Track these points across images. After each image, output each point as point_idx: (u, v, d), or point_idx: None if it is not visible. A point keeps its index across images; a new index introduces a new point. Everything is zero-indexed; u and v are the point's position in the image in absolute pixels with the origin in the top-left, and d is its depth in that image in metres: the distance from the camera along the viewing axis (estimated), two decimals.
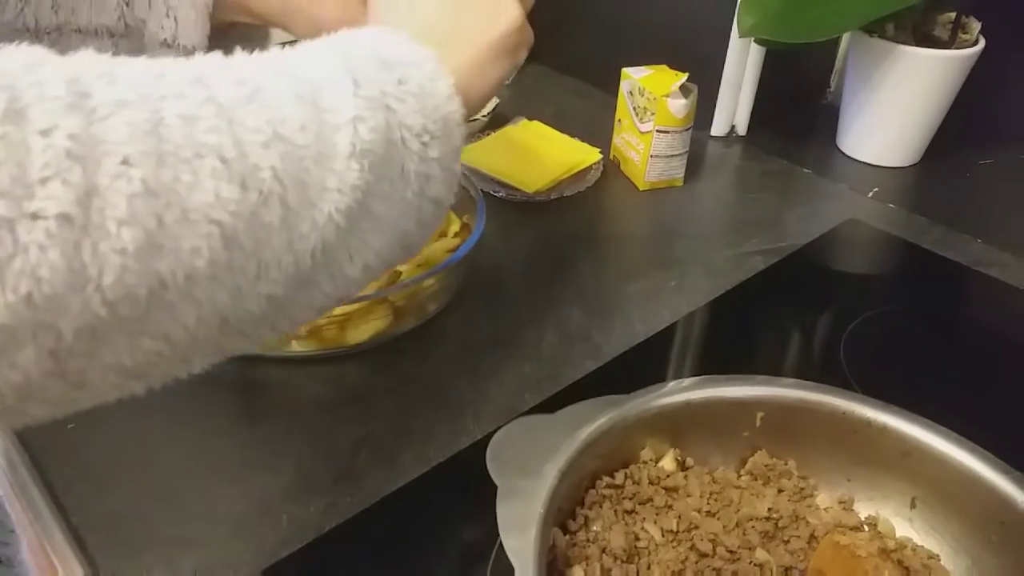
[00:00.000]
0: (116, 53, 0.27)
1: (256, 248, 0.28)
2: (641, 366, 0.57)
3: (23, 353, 0.23)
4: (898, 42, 0.76)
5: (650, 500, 0.41)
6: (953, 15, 0.77)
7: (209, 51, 0.40)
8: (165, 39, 0.46)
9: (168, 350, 0.27)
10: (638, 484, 0.41)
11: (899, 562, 0.38)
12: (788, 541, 0.40)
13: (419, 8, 0.39)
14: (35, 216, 0.22)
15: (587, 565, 0.37)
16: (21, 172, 0.22)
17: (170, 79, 0.27)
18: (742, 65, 0.84)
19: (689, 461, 0.43)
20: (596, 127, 0.85)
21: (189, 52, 0.47)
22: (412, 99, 0.33)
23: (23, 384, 0.24)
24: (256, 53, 0.32)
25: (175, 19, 0.46)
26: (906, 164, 0.84)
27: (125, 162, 0.24)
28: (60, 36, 0.46)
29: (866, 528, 0.41)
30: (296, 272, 0.30)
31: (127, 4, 0.45)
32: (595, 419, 0.39)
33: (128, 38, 0.47)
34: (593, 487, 0.41)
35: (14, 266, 0.22)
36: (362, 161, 0.31)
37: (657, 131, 0.75)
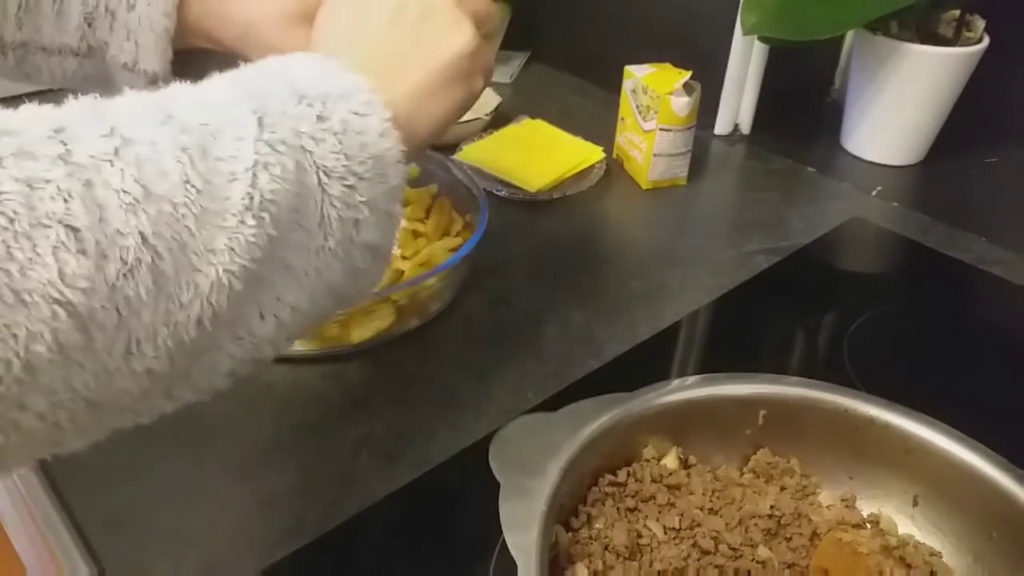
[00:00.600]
0: (81, 73, 0.26)
1: (120, 325, 0.25)
2: (644, 365, 0.57)
3: None
4: (902, 40, 0.76)
5: (652, 498, 0.41)
6: (957, 12, 0.77)
7: (174, 76, 0.39)
8: (126, 63, 0.45)
9: (18, 439, 0.24)
10: (640, 482, 0.41)
11: (901, 559, 0.38)
12: (790, 539, 0.40)
13: (360, 31, 0.36)
14: None
15: (589, 562, 0.37)
16: None
17: (20, 135, 0.23)
18: (745, 63, 0.84)
19: (691, 459, 0.43)
20: (599, 126, 0.85)
21: (150, 77, 0.46)
22: (332, 138, 0.30)
23: None
24: (146, 92, 0.29)
25: (135, 43, 0.45)
26: (910, 162, 0.84)
27: None
28: (26, 53, 0.45)
29: (868, 526, 0.41)
30: (179, 344, 0.26)
31: (89, 25, 0.44)
32: (598, 417, 0.39)
33: (91, 59, 0.46)
34: (596, 485, 0.41)
35: None
36: (261, 215, 0.27)
37: (660, 129, 0.75)
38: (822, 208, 0.76)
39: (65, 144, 0.24)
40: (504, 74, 1.02)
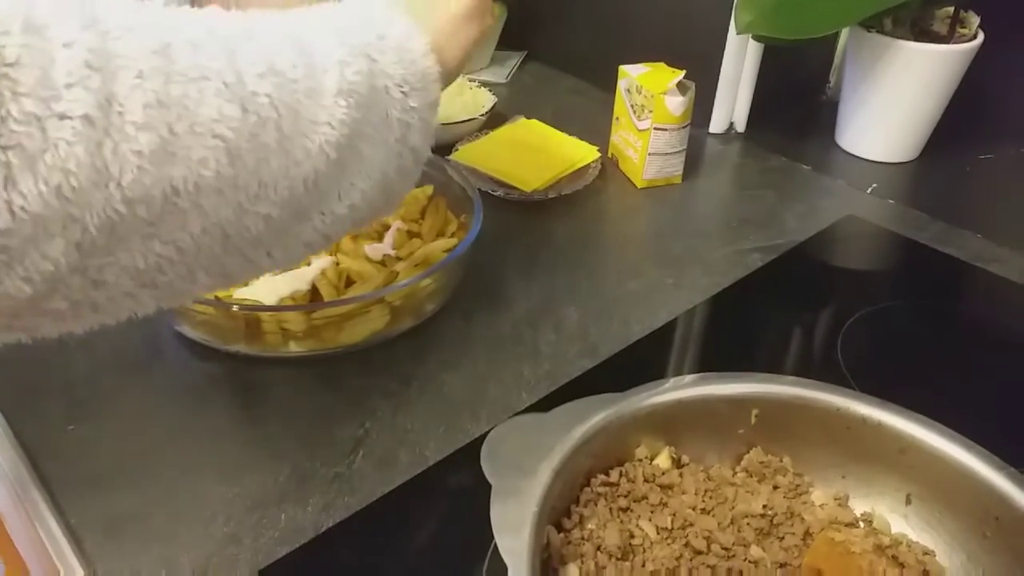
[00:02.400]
0: None
1: (256, 167, 0.31)
2: (639, 364, 0.57)
3: (53, 244, 0.26)
4: (896, 37, 0.76)
5: (645, 498, 0.41)
6: (951, 9, 0.77)
7: None
8: None
9: (177, 256, 0.30)
10: (633, 482, 0.41)
11: (894, 558, 0.38)
12: (783, 538, 0.40)
13: None
14: (62, 116, 0.25)
15: (582, 563, 0.37)
16: (46, 77, 0.24)
17: (174, 14, 0.30)
18: (740, 62, 0.84)
19: (684, 458, 0.43)
20: (594, 125, 0.85)
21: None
22: (391, 52, 0.37)
23: (51, 275, 0.26)
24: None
25: None
26: (905, 160, 0.84)
27: (139, 75, 0.27)
28: None
29: (861, 524, 0.41)
30: (291, 197, 0.33)
31: None
32: (590, 417, 0.39)
33: None
34: (588, 485, 0.41)
35: (46, 159, 0.24)
36: (348, 99, 0.34)
37: (655, 128, 0.75)
38: (817, 206, 0.76)
39: (210, 24, 0.31)
40: (500, 74, 1.02)
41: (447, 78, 0.42)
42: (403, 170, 0.39)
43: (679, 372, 0.57)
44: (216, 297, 0.55)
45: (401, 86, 0.37)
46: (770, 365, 0.58)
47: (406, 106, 0.37)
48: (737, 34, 0.78)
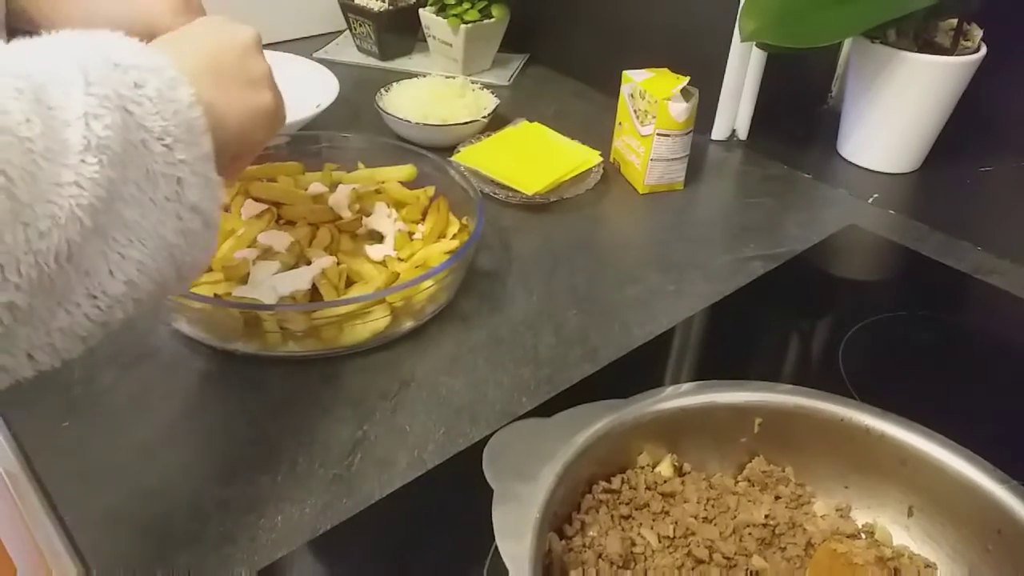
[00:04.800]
0: None
1: None
2: (639, 371, 0.57)
3: None
4: (900, 48, 0.76)
5: (647, 505, 0.41)
6: (955, 22, 0.77)
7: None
8: None
9: None
10: (635, 489, 0.41)
11: (896, 570, 0.38)
12: (785, 548, 0.40)
13: (182, 43, 0.41)
14: None
15: (583, 571, 0.37)
16: None
17: None
18: (743, 69, 0.84)
19: (686, 467, 0.43)
20: (596, 130, 0.84)
21: None
22: (149, 102, 0.33)
23: None
24: None
25: None
26: (906, 170, 0.84)
27: None
28: None
29: (863, 536, 0.41)
30: (40, 278, 0.28)
31: None
32: (592, 423, 0.39)
33: None
34: (590, 492, 0.41)
35: None
36: (100, 156, 0.30)
37: (658, 134, 0.75)
38: (818, 215, 0.76)
39: None
40: (502, 76, 1.02)
41: (221, 139, 0.37)
42: (188, 233, 0.35)
43: (680, 379, 0.56)
44: (215, 294, 0.55)
45: (162, 139, 0.33)
46: (771, 374, 0.58)
47: (171, 160, 0.33)
48: (741, 42, 0.78)
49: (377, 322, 0.55)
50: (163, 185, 0.33)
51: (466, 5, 0.96)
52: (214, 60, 0.41)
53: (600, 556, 0.38)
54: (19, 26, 0.50)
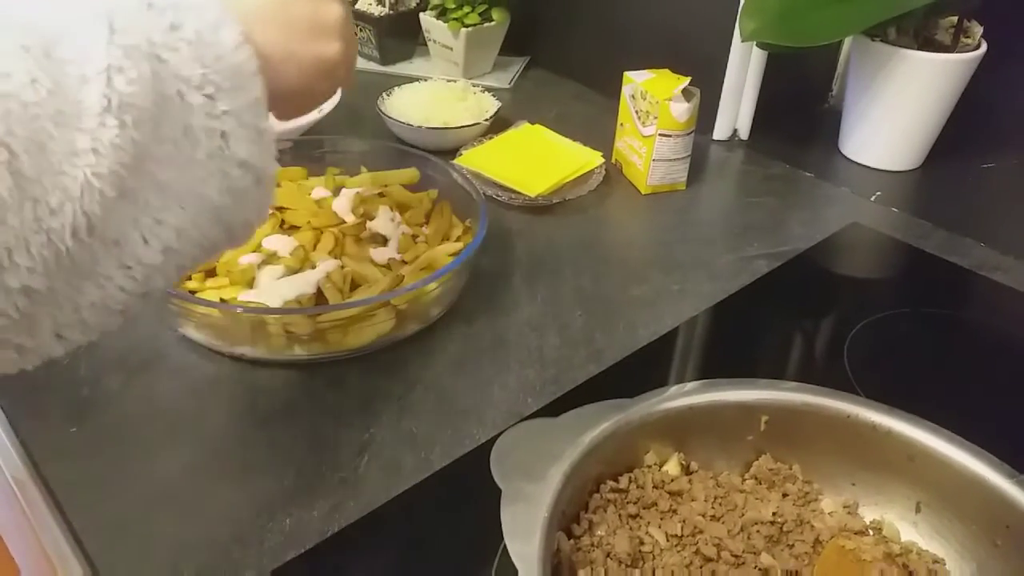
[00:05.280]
0: None
1: None
2: (644, 370, 0.57)
3: None
4: (900, 46, 0.76)
5: (654, 504, 0.41)
6: (955, 19, 0.77)
7: None
8: None
9: None
10: (642, 488, 0.41)
11: (904, 566, 0.38)
12: (793, 545, 0.40)
13: None
14: None
15: (592, 570, 0.37)
16: None
17: None
18: (744, 69, 0.84)
19: (693, 465, 0.43)
20: (598, 131, 0.85)
21: None
22: (188, 47, 0.29)
23: None
24: None
25: None
26: (908, 168, 0.84)
27: None
28: None
29: (871, 532, 0.41)
30: (56, 257, 0.26)
31: None
32: (599, 423, 0.39)
33: None
34: (597, 491, 0.41)
35: None
36: (122, 116, 0.26)
37: (660, 135, 0.75)
38: (821, 213, 0.76)
39: None
40: (503, 79, 1.02)
41: (279, 92, 0.34)
42: (236, 191, 0.31)
43: (685, 378, 0.57)
44: (221, 299, 0.55)
45: (202, 88, 0.29)
46: (777, 372, 0.58)
47: (213, 111, 0.30)
48: (742, 42, 0.78)
49: (382, 325, 0.55)
50: (204, 141, 0.30)
51: (466, 9, 0.96)
52: (278, 4, 0.36)
53: (608, 555, 0.38)
54: None
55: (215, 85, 0.30)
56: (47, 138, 0.25)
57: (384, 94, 0.87)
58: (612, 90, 0.81)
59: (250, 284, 0.57)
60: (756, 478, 0.43)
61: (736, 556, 0.39)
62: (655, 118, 0.74)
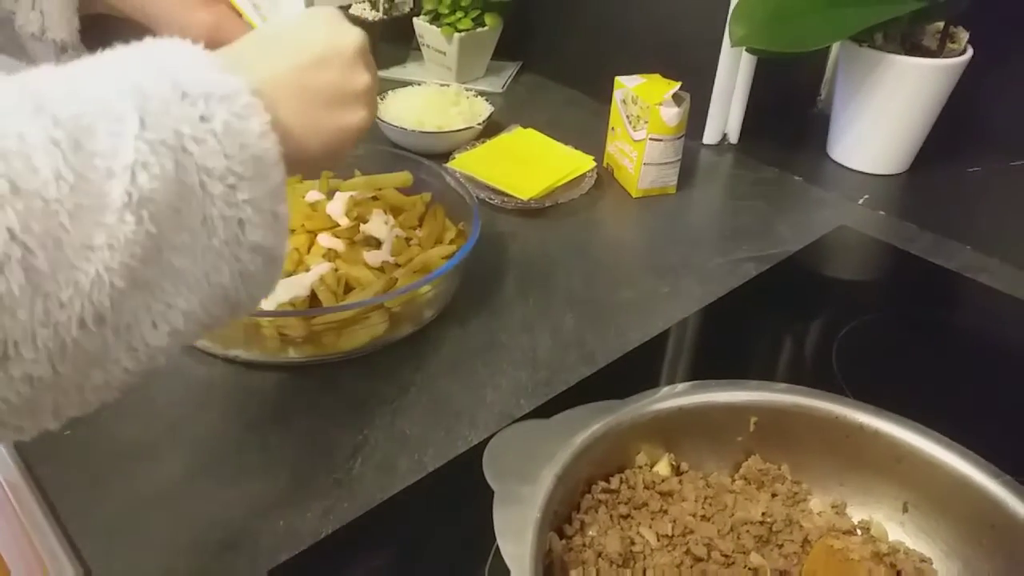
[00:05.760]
0: None
1: None
2: (635, 372, 0.57)
3: None
4: (887, 51, 0.77)
5: (645, 505, 0.41)
6: (941, 25, 0.78)
7: (84, 45, 0.38)
8: (33, 32, 0.46)
9: None
10: (633, 489, 0.41)
11: (892, 566, 0.39)
12: (782, 545, 0.41)
13: (258, 56, 0.37)
14: None
15: (583, 570, 0.37)
16: None
17: None
18: (734, 74, 0.85)
19: (684, 466, 0.43)
20: (589, 135, 0.85)
21: (60, 46, 0.46)
22: (213, 139, 0.29)
23: None
24: (21, 76, 0.27)
25: (41, 11, 0.45)
26: (896, 172, 0.85)
27: None
28: None
29: (859, 532, 0.41)
30: (61, 347, 0.26)
31: None
32: (590, 424, 0.40)
33: (1, 29, 0.46)
34: (589, 492, 0.41)
35: None
36: (140, 212, 0.27)
37: (650, 139, 0.75)
38: (810, 217, 0.77)
39: None
40: (496, 84, 1.02)
41: (300, 163, 0.35)
42: (245, 275, 0.32)
43: (675, 380, 0.56)
44: None
45: (225, 178, 0.30)
46: (766, 374, 0.58)
47: (233, 201, 0.30)
48: (731, 47, 0.79)
49: (376, 327, 0.55)
50: (221, 229, 0.30)
51: (459, 14, 0.97)
52: (304, 75, 0.37)
53: (600, 555, 0.38)
54: (96, 4, 0.47)
55: (237, 175, 0.30)
56: (63, 233, 0.25)
57: (378, 98, 0.87)
58: (603, 95, 0.82)
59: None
60: (746, 478, 0.43)
61: (726, 556, 0.39)
62: (646, 122, 0.75)
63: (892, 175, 0.85)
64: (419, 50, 1.04)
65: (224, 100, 0.30)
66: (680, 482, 0.42)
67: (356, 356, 0.56)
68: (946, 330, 0.64)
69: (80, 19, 0.47)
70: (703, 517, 0.41)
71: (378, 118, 0.83)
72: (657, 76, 0.78)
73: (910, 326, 0.64)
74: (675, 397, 0.42)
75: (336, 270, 0.59)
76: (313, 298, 0.57)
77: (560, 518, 0.39)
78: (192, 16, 0.46)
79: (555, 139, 0.84)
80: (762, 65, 0.84)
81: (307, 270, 0.59)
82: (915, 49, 0.79)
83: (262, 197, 0.31)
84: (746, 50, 0.81)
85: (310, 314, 0.54)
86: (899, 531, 0.41)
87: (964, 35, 0.79)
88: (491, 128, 0.86)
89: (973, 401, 0.55)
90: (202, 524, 0.45)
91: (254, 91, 0.31)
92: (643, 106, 0.75)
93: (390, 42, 1.04)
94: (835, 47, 0.93)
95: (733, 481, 0.43)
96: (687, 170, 0.81)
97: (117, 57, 0.30)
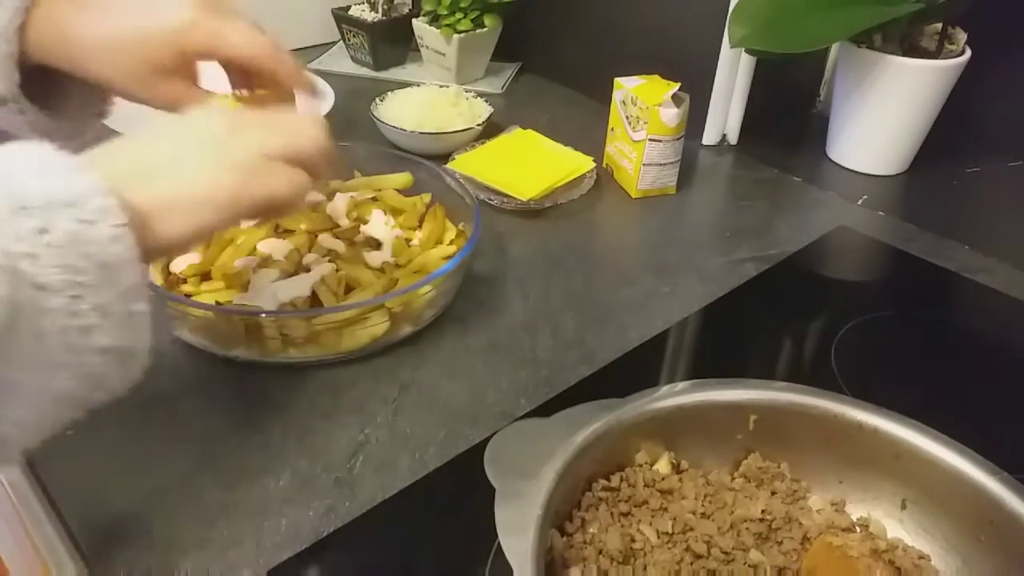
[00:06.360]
0: None
1: None
2: (635, 372, 0.57)
3: None
4: (886, 52, 0.78)
5: (645, 502, 0.41)
6: (940, 26, 0.79)
7: (28, 95, 0.37)
8: None
9: None
10: (633, 487, 0.42)
11: (890, 562, 0.39)
12: (781, 542, 0.41)
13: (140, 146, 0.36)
14: None
15: (584, 566, 0.37)
16: None
17: None
18: (733, 75, 0.85)
19: (684, 464, 0.44)
20: (589, 136, 0.85)
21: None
22: (52, 252, 0.28)
23: None
24: None
25: None
26: (894, 172, 0.85)
27: None
28: None
29: (858, 529, 0.42)
30: None
31: None
32: (591, 423, 0.40)
33: None
34: (589, 490, 0.41)
35: None
36: None
37: (650, 140, 0.76)
38: (809, 217, 0.77)
39: None
40: (495, 85, 1.03)
41: (160, 250, 0.34)
42: (93, 376, 0.31)
43: (675, 380, 0.57)
44: (217, 302, 0.56)
45: (64, 291, 0.28)
46: (766, 373, 0.58)
47: (75, 310, 0.29)
48: (730, 48, 0.79)
49: (376, 327, 0.56)
50: (58, 341, 0.29)
51: (459, 15, 0.97)
52: (174, 156, 0.36)
53: (601, 552, 0.38)
54: (45, 59, 0.45)
55: (81, 285, 0.29)
56: None
57: (377, 99, 0.87)
58: (603, 95, 0.82)
59: (245, 287, 0.57)
60: (745, 476, 0.43)
61: (726, 553, 0.39)
62: (645, 123, 0.75)
63: (891, 176, 0.85)
64: (418, 51, 1.04)
65: (69, 207, 0.29)
66: (680, 480, 0.43)
67: (357, 356, 0.56)
68: (945, 330, 0.65)
69: (29, 68, 0.44)
70: (703, 515, 0.41)
71: (378, 119, 0.84)
72: (656, 77, 0.79)
73: (909, 326, 0.64)
74: (675, 396, 0.42)
75: (337, 270, 0.59)
76: (314, 298, 0.57)
77: (561, 515, 0.40)
78: (152, 91, 0.44)
79: (555, 140, 0.84)
80: (761, 66, 0.84)
81: (308, 270, 0.59)
82: (913, 50, 0.79)
83: (112, 301, 0.30)
84: (745, 51, 0.82)
85: (311, 314, 0.54)
86: (898, 528, 0.41)
87: (962, 36, 0.80)
88: (491, 129, 0.86)
89: (970, 399, 0.56)
90: (205, 522, 0.45)
91: (110, 190, 0.30)
92: (642, 107, 0.75)
93: (389, 43, 1.04)
94: (834, 48, 0.93)
95: (733, 479, 0.44)
96: (687, 170, 0.82)
97: None
